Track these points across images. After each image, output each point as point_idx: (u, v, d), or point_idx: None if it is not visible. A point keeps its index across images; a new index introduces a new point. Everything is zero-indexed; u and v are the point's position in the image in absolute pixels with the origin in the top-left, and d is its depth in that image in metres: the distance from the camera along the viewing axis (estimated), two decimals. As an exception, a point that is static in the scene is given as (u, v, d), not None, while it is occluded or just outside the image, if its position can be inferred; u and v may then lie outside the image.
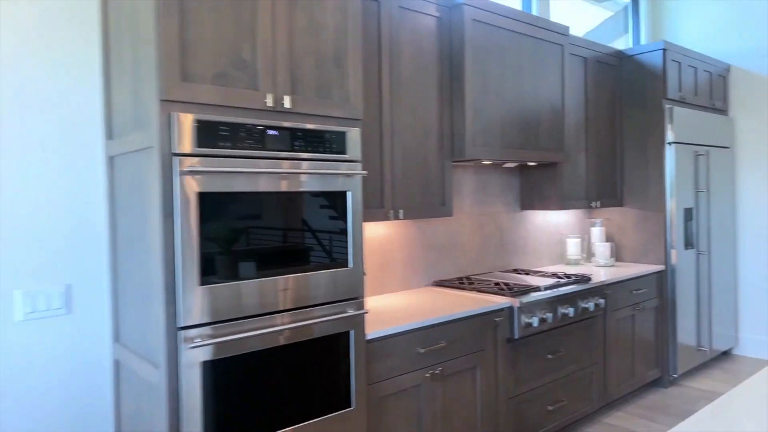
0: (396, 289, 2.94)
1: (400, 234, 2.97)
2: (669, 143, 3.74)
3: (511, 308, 2.66)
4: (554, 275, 3.23)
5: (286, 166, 1.83)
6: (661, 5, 4.81)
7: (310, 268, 1.89)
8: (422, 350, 2.27)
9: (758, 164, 4.33)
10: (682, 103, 3.93)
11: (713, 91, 4.27)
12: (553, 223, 3.89)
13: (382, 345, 2.14)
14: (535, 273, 3.33)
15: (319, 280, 1.92)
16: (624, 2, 4.78)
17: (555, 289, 2.89)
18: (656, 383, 3.78)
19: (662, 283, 3.74)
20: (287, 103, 1.83)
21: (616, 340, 3.36)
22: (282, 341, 1.83)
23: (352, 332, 2.01)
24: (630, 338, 3.48)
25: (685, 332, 3.81)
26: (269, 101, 1.79)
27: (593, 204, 3.69)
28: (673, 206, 3.73)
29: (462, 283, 3.03)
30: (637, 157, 3.88)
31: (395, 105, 2.55)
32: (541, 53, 3.16)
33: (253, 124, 1.76)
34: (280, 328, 1.80)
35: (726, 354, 4.44)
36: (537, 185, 3.54)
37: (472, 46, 2.76)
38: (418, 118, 2.65)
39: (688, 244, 3.85)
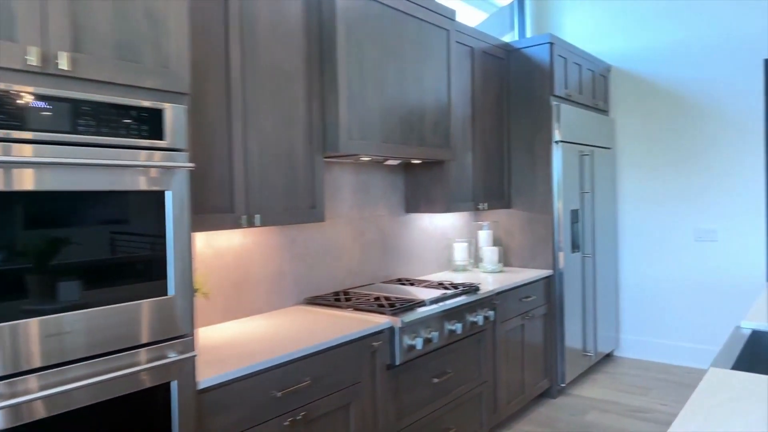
0: (256, 311, 2.43)
1: (262, 244, 2.46)
2: (556, 142, 3.58)
3: (391, 329, 2.27)
4: (441, 285, 2.90)
5: (63, 155, 1.27)
6: (545, 3, 4.72)
7: (103, 300, 1.34)
8: (279, 393, 1.79)
9: (638, 166, 4.35)
10: (568, 101, 3.80)
11: (596, 90, 4.22)
12: (440, 227, 3.58)
13: (222, 394, 1.64)
14: (421, 283, 2.99)
15: (118, 316, 1.38)
16: (501, 4, 4.62)
17: (442, 303, 2.54)
18: (546, 394, 3.61)
19: (550, 288, 3.57)
20: (64, 63, 1.27)
21: (505, 354, 3.10)
22: (50, 410, 1.27)
23: (174, 383, 1.48)
24: (520, 350, 3.25)
25: (573, 338, 3.69)
26: (33, 59, 1.22)
27: (481, 206, 3.43)
28: (560, 208, 3.58)
29: (338, 299, 2.59)
30: (524, 157, 3.69)
31: (248, 82, 2.05)
32: (426, 37, 2.81)
33: (3, 91, 1.18)
34: (38, 396, 1.24)
35: (609, 356, 4.43)
36: (423, 186, 3.20)
37: (345, 20, 2.33)
38: (281, 102, 2.17)
39: (575, 246, 3.73)
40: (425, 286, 2.88)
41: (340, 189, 2.87)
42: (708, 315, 4.06)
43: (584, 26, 4.55)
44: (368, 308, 2.38)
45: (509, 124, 3.75)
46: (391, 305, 2.42)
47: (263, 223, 2.08)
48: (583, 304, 3.86)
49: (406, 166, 3.28)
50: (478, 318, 2.73)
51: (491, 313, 2.84)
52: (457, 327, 2.57)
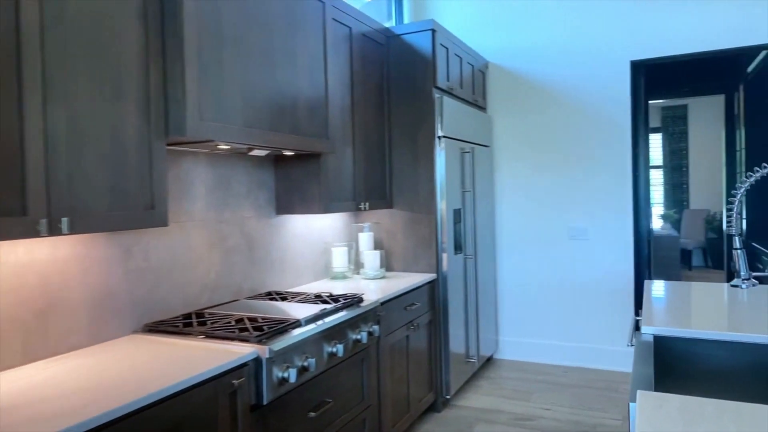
0: (73, 346, 1.83)
1: (83, 257, 1.87)
2: (439, 137, 3.34)
3: (257, 360, 1.81)
4: (319, 298, 2.49)
5: None
6: (423, -7, 4.51)
7: None
8: (92, 473, 1.26)
9: (514, 165, 4.30)
10: (450, 94, 3.59)
11: (475, 86, 4.08)
12: (317, 230, 3.17)
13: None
14: (295, 297, 2.55)
15: None
16: (388, -17, 4.34)
17: (320, 321, 2.13)
18: (432, 408, 3.35)
19: (434, 293, 3.32)
20: None
21: (391, 371, 2.78)
22: None
23: None
24: (405, 365, 2.95)
25: (457, 345, 3.48)
26: None
27: (362, 206, 3.07)
28: (443, 207, 3.35)
29: (189, 323, 2.07)
30: (407, 152, 3.41)
31: (51, 33, 1.47)
32: (298, 6, 2.38)
33: None
34: None
35: (489, 360, 4.33)
36: (297, 183, 2.76)
37: (194, -32, 1.83)
38: (103, 64, 1.62)
39: (458, 248, 3.53)
40: (300, 301, 2.45)
41: (191, 185, 2.33)
42: (581, 313, 4.11)
43: (461, 19, 4.40)
44: (227, 335, 1.90)
45: (391, 116, 3.44)
46: (258, 329, 1.96)
47: (74, 230, 1.51)
48: (466, 308, 3.68)
49: (277, 159, 2.82)
50: (362, 335, 2.37)
51: (376, 327, 2.49)
52: (339, 348, 2.18)
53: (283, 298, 2.53)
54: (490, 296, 4.22)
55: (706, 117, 9.31)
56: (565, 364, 4.15)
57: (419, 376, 3.11)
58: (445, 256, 3.36)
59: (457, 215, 3.53)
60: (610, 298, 4.02)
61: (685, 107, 9.47)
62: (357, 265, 3.46)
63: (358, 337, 2.35)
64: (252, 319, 2.11)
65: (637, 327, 3.95)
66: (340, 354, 2.18)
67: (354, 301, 2.46)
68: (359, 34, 3.09)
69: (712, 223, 8.90)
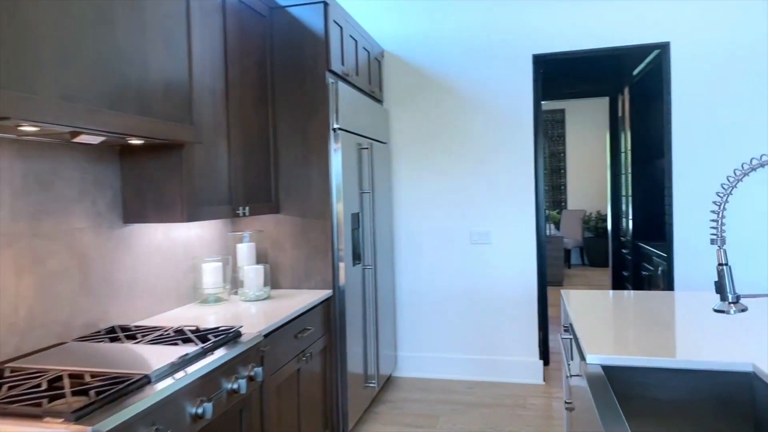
0: None
1: None
2: (334, 130, 2.85)
3: (76, 451, 1.19)
4: (181, 334, 1.88)
5: None
6: (311, -32, 3.99)
7: None
8: None
9: (413, 164, 3.93)
10: (345, 81, 3.11)
11: (371, 75, 3.64)
12: (181, 242, 2.52)
13: None
14: (148, 334, 1.92)
15: None
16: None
17: (180, 373, 1.54)
18: (327, 449, 2.85)
19: (330, 314, 2.82)
20: None
21: (278, 419, 2.23)
22: None
23: None
24: (296, 405, 2.41)
25: (355, 369, 3.01)
26: None
27: (240, 211, 2.49)
28: (340, 211, 2.86)
29: (-30, 392, 1.38)
30: (296, 147, 2.87)
31: None
32: (147, -57, 1.77)
33: None
34: None
35: (389, 380, 3.91)
36: (152, 182, 2.12)
37: None
38: None
39: (356, 257, 3.06)
40: (155, 340, 1.83)
41: (-15, 185, 1.62)
42: (485, 322, 3.83)
43: (354, 0, 3.95)
44: (26, 410, 1.25)
45: (276, 103, 2.88)
46: (81, 393, 1.33)
47: None
48: (365, 327, 3.22)
49: (124, 151, 2.15)
50: (240, 383, 1.80)
51: (258, 370, 1.93)
52: (207, 409, 1.60)
53: (131, 337, 1.89)
54: (389, 309, 3.80)
55: (586, 120, 9.76)
56: (470, 379, 3.85)
57: (313, 414, 2.59)
58: (342, 268, 2.87)
59: (356, 220, 3.07)
60: (515, 306, 3.79)
61: (563, 111, 9.87)
62: (235, 283, 2.86)
63: (235, 386, 1.78)
64: (76, 377, 1.46)
65: (544, 344, 3.76)
66: (209, 416, 1.60)
67: (229, 336, 1.88)
68: (236, 1, 2.50)
69: (588, 223, 9.33)
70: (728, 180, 1.22)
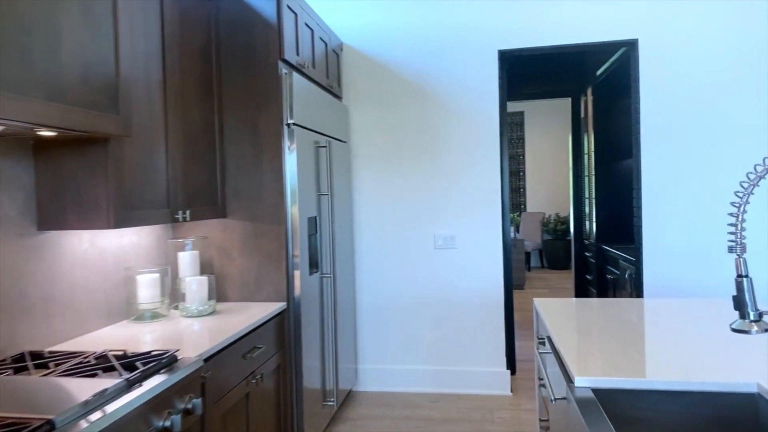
0: None
1: None
2: (288, 125, 2.59)
3: None
4: (103, 361, 1.59)
5: None
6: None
7: None
8: None
9: (375, 164, 3.70)
10: (301, 72, 2.86)
11: (329, 68, 3.40)
12: (111, 251, 2.21)
13: None
14: (64, 360, 1.61)
15: None
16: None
17: (96, 415, 1.26)
18: (281, 479, 2.58)
19: (284, 328, 2.56)
20: None
21: (224, 450, 1.96)
22: None
23: None
24: (245, 434, 2.14)
25: (312, 386, 2.75)
26: None
27: (180, 215, 2.20)
28: (295, 215, 2.60)
29: None
30: (245, 143, 2.60)
31: None
32: None
33: None
34: None
35: (349, 395, 3.66)
36: (72, 182, 1.81)
37: None
38: None
39: (313, 266, 2.81)
40: (70, 370, 1.52)
41: None
42: (449, 331, 3.64)
43: (312, -10, 3.70)
44: None
45: (222, 95, 2.60)
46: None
47: None
48: (323, 340, 2.97)
49: (38, 145, 1.83)
50: (173, 419, 1.52)
51: (197, 402, 1.65)
52: (130, 456, 1.32)
53: (42, 366, 1.58)
54: (349, 319, 3.56)
55: (545, 121, 9.78)
56: (435, 392, 3.65)
57: (265, 442, 2.32)
58: (297, 277, 2.61)
59: (313, 225, 2.81)
60: (481, 313, 3.61)
61: (522, 114, 9.86)
62: (175, 297, 2.55)
63: (167, 424, 1.50)
64: (-43, 427, 1.16)
65: (511, 352, 3.64)
66: (133, 465, 1.32)
67: (162, 362, 1.60)
68: (174, -24, 2.22)
69: (547, 225, 9.34)
70: (748, 178, 1.04)
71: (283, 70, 2.58)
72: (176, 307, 2.49)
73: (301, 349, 2.60)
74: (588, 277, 5.31)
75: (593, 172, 4.98)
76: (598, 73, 4.75)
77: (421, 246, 3.66)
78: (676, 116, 3.34)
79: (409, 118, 3.65)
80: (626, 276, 3.89)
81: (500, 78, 3.56)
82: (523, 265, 7.69)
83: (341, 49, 3.67)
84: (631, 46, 3.43)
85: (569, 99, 5.56)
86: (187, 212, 2.24)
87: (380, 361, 3.72)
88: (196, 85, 2.39)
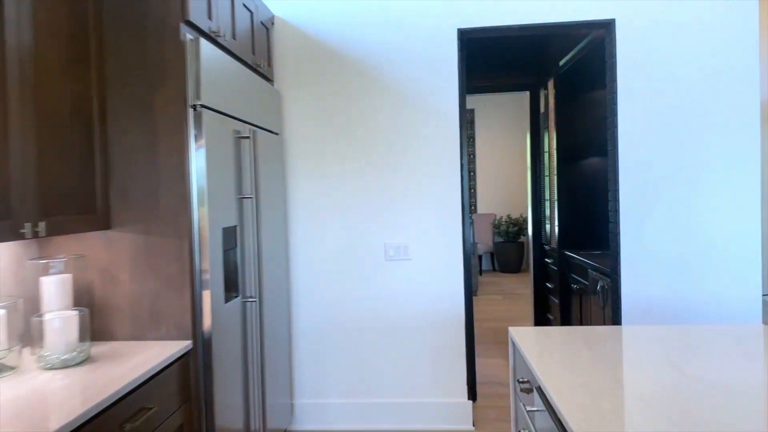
0: None
1: None
2: (195, 107, 1.98)
3: None
4: None
5: None
6: None
7: None
8: None
9: (313, 163, 3.12)
10: (214, 42, 2.24)
11: (256, 43, 2.79)
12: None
13: None
14: None
15: None
16: None
17: None
18: None
19: (188, 375, 1.94)
20: None
21: None
22: None
23: None
24: None
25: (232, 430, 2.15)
26: None
27: (28, 229, 1.55)
28: (205, 224, 1.99)
29: None
30: (135, 131, 1.96)
31: None
32: None
33: None
34: None
35: (283, 436, 3.07)
36: None
37: None
38: None
39: (231, 288, 2.20)
40: None
41: None
42: (403, 357, 3.11)
43: (237, -49, 3.08)
44: None
45: (104, 65, 1.96)
46: None
47: None
48: (246, 381, 2.37)
49: None
50: None
51: None
52: None
53: None
54: (282, 348, 2.97)
55: (497, 119, 9.44)
56: (387, 428, 3.11)
57: None
58: (208, 305, 2.00)
59: (231, 236, 2.20)
60: (439, 335, 3.10)
61: (472, 111, 9.50)
62: (35, 340, 1.89)
63: None
64: None
65: (472, 376, 3.11)
66: None
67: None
68: None
69: (499, 228, 9.01)
70: None
71: (188, 35, 1.96)
72: (35, 354, 1.83)
73: (213, 400, 1.99)
74: (548, 285, 4.92)
75: (555, 172, 4.58)
76: (562, 63, 4.35)
77: (370, 258, 3.11)
78: (659, 107, 2.94)
79: (357, 108, 3.09)
80: (598, 287, 3.49)
81: (460, 61, 3.06)
82: (477, 270, 7.28)
83: (272, 24, 3.07)
84: (607, 27, 3.01)
85: (527, 93, 5.16)
86: (42, 224, 1.60)
87: (321, 394, 3.14)
88: (64, 52, 1.75)
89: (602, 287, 3.43)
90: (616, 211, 3.00)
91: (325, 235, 3.12)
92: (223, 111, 2.16)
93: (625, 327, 1.94)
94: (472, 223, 9.09)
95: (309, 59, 3.10)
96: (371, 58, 3.08)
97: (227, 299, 2.16)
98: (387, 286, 3.10)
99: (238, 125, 2.34)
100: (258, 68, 2.78)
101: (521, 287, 7.68)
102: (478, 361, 4.32)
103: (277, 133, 2.96)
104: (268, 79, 3.01)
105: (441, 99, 3.06)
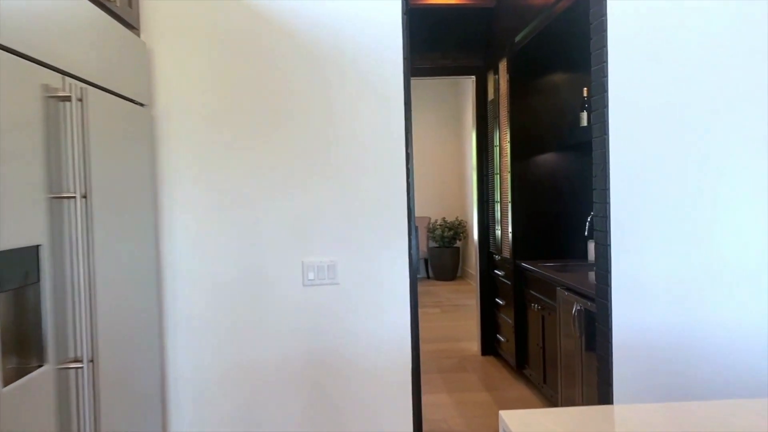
0: None
1: None
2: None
3: None
4: None
5: None
6: None
7: None
8: None
9: (198, 149, 2.21)
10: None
11: (104, -35, 1.85)
12: None
13: None
14: None
15: None
16: None
17: None
18: None
19: None
20: None
21: None
22: None
23: None
24: None
25: None
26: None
27: None
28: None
29: None
30: None
31: None
32: None
33: None
34: None
35: None
36: None
37: None
38: None
39: (30, 352, 1.27)
40: None
41: None
42: (329, 416, 2.26)
43: None
44: None
45: None
46: None
47: None
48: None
49: None
50: None
51: None
52: None
53: None
54: (149, 419, 2.03)
55: (430, 110, 8.76)
56: None
57: None
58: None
59: (21, 265, 1.27)
60: (378, 383, 2.28)
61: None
62: None
63: None
64: None
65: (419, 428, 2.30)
66: None
67: None
68: None
69: (434, 232, 8.35)
70: None
71: None
72: None
73: None
74: (498, 300, 4.25)
75: (508, 169, 3.91)
76: (518, 38, 3.67)
77: (283, 283, 2.24)
78: (663, 83, 2.28)
79: (272, 81, 2.22)
80: (573, 312, 2.81)
81: (405, 28, 2.27)
82: (411, 280, 6.56)
83: (138, -53, 2.14)
84: (594, -22, 2.32)
85: (472, 78, 4.47)
86: None
87: (211, 477, 2.23)
88: None
89: (579, 312, 2.75)
90: (606, 218, 2.31)
91: (218, 253, 2.22)
92: (26, 54, 1.23)
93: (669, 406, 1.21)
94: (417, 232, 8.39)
95: (203, 6, 2.19)
96: (298, 17, 2.21)
97: (21, 375, 1.22)
98: (306, 318, 2.25)
99: (54, 77, 1.40)
100: (108, 4, 1.84)
101: (460, 298, 7.04)
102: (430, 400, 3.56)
103: (142, 104, 2.03)
104: (130, 26, 2.06)
105: (383, 75, 2.26)
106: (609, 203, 2.30)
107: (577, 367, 2.82)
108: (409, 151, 2.33)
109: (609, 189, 2.30)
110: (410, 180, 2.34)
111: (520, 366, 3.85)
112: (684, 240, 2.30)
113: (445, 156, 8.82)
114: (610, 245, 2.31)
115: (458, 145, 8.75)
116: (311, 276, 2.23)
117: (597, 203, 2.39)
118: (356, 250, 2.26)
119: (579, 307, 2.73)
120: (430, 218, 8.68)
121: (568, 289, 2.89)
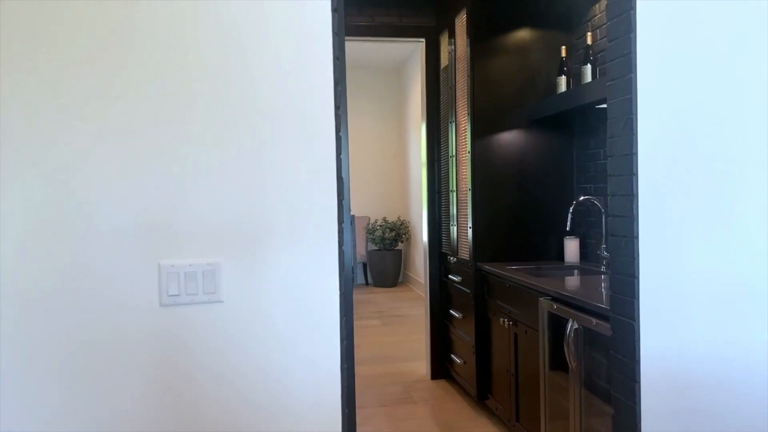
0: None
1: None
2: None
3: None
4: None
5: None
6: None
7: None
8: None
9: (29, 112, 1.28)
10: None
11: None
12: None
13: None
14: None
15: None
16: None
17: None
18: None
19: None
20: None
21: None
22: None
23: None
24: None
25: None
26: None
27: None
28: None
29: None
30: None
31: None
32: None
33: None
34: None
35: None
36: None
37: None
38: None
39: None
40: None
41: None
42: None
43: None
44: None
45: None
46: None
47: None
48: None
49: None
50: None
51: None
52: None
53: None
54: None
55: (365, 90, 7.95)
56: None
57: None
58: None
59: None
60: (284, 465, 1.42)
61: (341, 94, 7.96)
62: None
63: None
64: None
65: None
66: None
67: None
68: None
69: (373, 234, 7.54)
70: None
71: None
72: None
73: None
74: (454, 313, 3.47)
75: (468, 150, 3.15)
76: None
77: (123, 303, 1.34)
78: (711, 38, 1.57)
79: (137, 20, 1.32)
80: (569, 332, 2.05)
81: None
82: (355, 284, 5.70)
83: None
84: None
85: (421, 41, 3.69)
86: None
87: None
88: None
89: (576, 332, 1.99)
90: (632, 216, 1.56)
91: (28, 252, 1.29)
92: None
93: None
94: (354, 222, 7.55)
95: None
96: None
97: None
98: (163, 367, 1.36)
99: None
100: None
101: (404, 307, 6.26)
102: (357, 445, 2.71)
103: None
104: None
105: (304, 35, 1.42)
106: (636, 195, 1.56)
107: (572, 407, 2.07)
108: (340, 111, 1.49)
109: (637, 175, 1.56)
110: (340, 152, 1.50)
111: (481, 396, 3.09)
112: (727, 240, 1.59)
113: (384, 149, 8.04)
114: (637, 248, 1.56)
115: (398, 137, 8.01)
116: (174, 289, 1.34)
117: (612, 196, 1.64)
118: (251, 247, 1.40)
119: (577, 326, 1.98)
120: (369, 218, 7.87)
121: (558, 301, 2.13)
